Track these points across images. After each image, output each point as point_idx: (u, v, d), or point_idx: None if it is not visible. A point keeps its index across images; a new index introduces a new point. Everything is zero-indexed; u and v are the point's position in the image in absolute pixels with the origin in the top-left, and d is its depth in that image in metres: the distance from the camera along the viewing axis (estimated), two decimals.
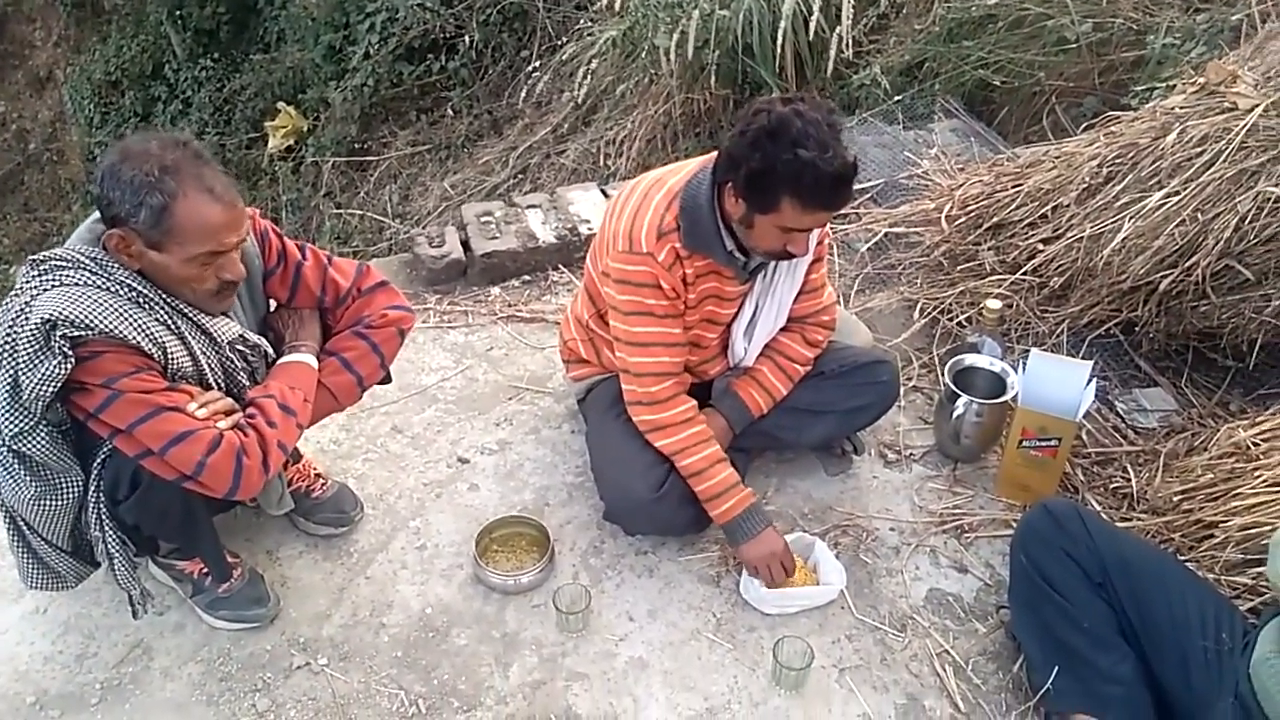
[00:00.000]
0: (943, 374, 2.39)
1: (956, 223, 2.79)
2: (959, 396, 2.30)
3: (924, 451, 2.44)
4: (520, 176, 5.49)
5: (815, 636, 2.01)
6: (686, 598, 2.09)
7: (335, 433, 2.43)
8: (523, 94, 5.39)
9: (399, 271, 2.96)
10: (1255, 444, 2.12)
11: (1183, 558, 2.05)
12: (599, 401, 2.25)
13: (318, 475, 2.19)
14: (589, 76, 4.85)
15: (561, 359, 2.38)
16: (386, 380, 1.99)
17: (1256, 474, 2.05)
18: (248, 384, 1.78)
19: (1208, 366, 2.60)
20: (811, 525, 2.25)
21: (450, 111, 6.23)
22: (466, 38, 5.97)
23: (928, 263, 2.82)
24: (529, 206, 3.06)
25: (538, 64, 5.31)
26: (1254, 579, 1.94)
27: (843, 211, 3.11)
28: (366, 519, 2.22)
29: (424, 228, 3.33)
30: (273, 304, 1.92)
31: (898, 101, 3.76)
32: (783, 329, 2.20)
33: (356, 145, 6.27)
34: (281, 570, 2.11)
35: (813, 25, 3.98)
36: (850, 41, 4.07)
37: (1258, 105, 2.40)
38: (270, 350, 1.82)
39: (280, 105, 6.65)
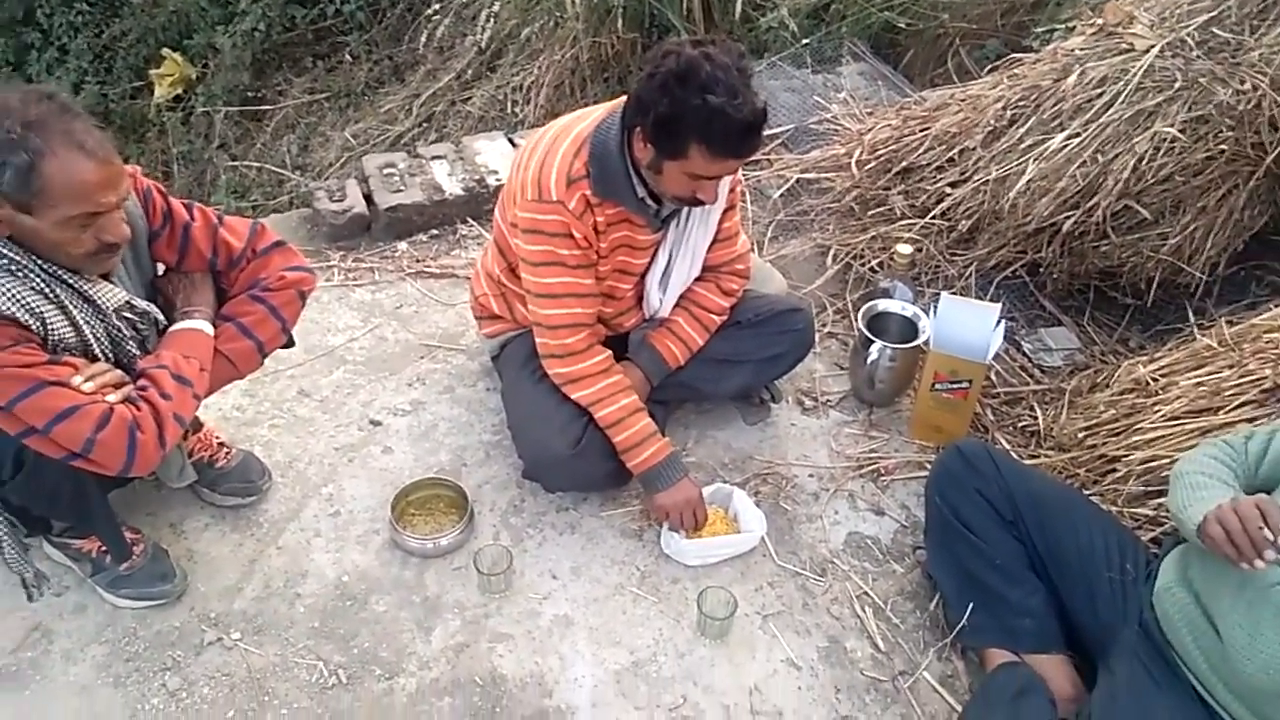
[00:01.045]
0: (856, 320, 2.40)
1: (866, 168, 2.79)
2: (873, 342, 2.32)
3: (840, 397, 2.46)
4: (425, 125, 5.32)
5: (738, 585, 2.02)
6: (609, 553, 2.08)
7: (238, 399, 2.33)
8: (423, 38, 5.19)
9: (299, 227, 2.84)
10: (1154, 379, 2.20)
11: (1088, 492, 2.12)
12: (514, 357, 2.21)
13: (221, 444, 2.09)
14: (491, 20, 4.70)
15: (473, 315, 2.32)
16: (289, 344, 1.90)
17: (1155, 409, 2.13)
18: (138, 354, 1.67)
19: (1109, 305, 2.68)
20: (731, 475, 2.26)
21: (349, 57, 5.97)
22: None
23: (839, 208, 2.83)
24: (434, 158, 2.95)
25: (437, 7, 5.11)
26: (1155, 510, 2.01)
27: (754, 158, 3.09)
28: (276, 487, 2.14)
29: (325, 180, 3.19)
30: (161, 269, 1.81)
31: (805, 45, 3.74)
32: (697, 279, 2.18)
33: (250, 94, 5.97)
34: (187, 544, 2.03)
35: None
36: None
37: (1153, 46, 2.45)
38: (161, 317, 1.72)
39: (165, 52, 6.27)
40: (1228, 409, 2.00)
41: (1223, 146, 2.37)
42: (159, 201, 1.72)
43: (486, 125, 4.78)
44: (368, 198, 2.82)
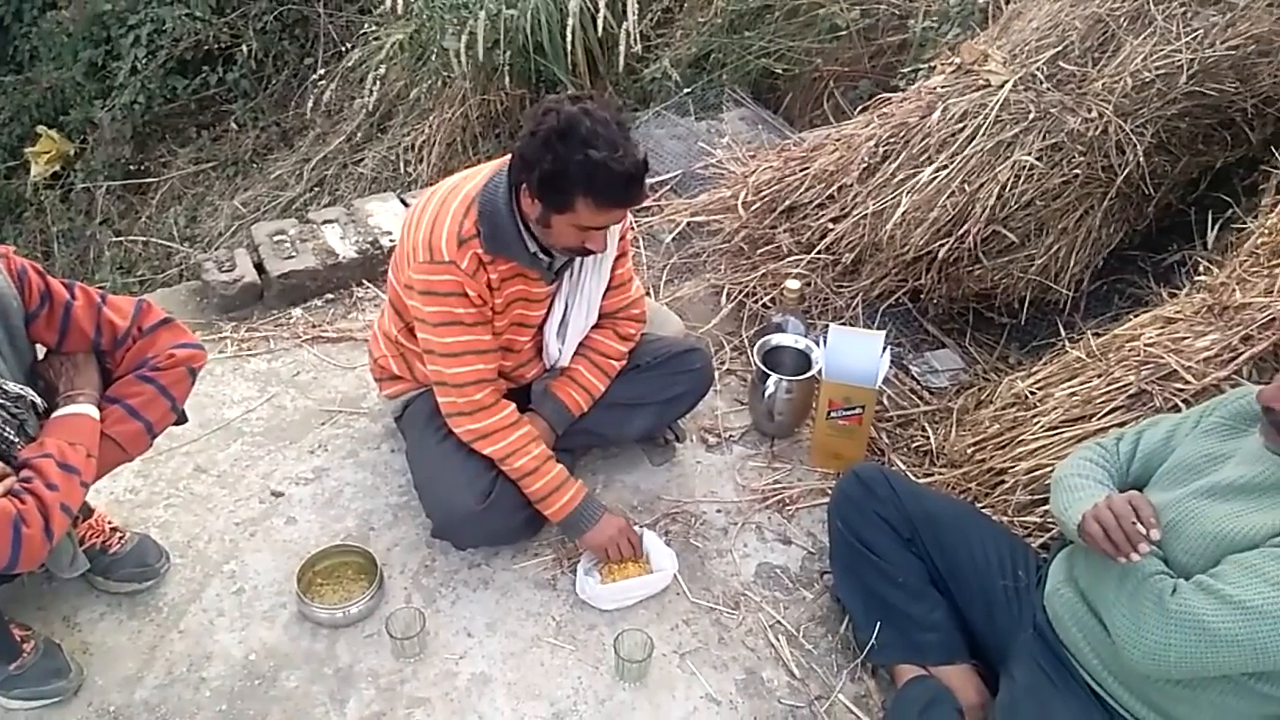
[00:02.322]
0: (752, 355, 2.47)
1: (753, 208, 2.89)
2: (769, 376, 2.39)
3: (742, 432, 2.52)
4: (317, 189, 5.28)
5: (654, 625, 2.04)
6: (524, 605, 2.07)
7: (131, 480, 2.26)
8: (310, 103, 5.18)
9: (188, 301, 2.78)
10: (1032, 393, 2.32)
11: (980, 505, 2.22)
12: (417, 417, 2.20)
13: (114, 529, 2.03)
14: (379, 82, 4.72)
15: (373, 377, 2.31)
16: (181, 421, 1.86)
17: (1035, 420, 2.24)
18: (19, 442, 1.62)
19: (987, 325, 2.82)
20: (641, 516, 2.28)
21: (234, 125, 5.91)
22: (244, 47, 5.68)
23: (729, 248, 2.91)
24: (325, 222, 2.94)
25: (323, 71, 5.11)
26: (1041, 517, 2.11)
27: (645, 205, 3.17)
28: (174, 569, 2.08)
29: (215, 251, 3.15)
30: (42, 351, 1.76)
31: (689, 93, 3.86)
32: (595, 326, 2.22)
33: (132, 167, 5.85)
34: (82, 636, 1.95)
35: (600, 22, 4.02)
36: (638, 36, 4.14)
37: (1007, 81, 2.61)
38: (39, 401, 1.67)
39: (41, 129, 6.10)
40: (1099, 415, 2.12)
41: (1076, 171, 2.53)
42: (35, 281, 1.68)
43: (380, 186, 4.77)
44: (258, 266, 2.79)
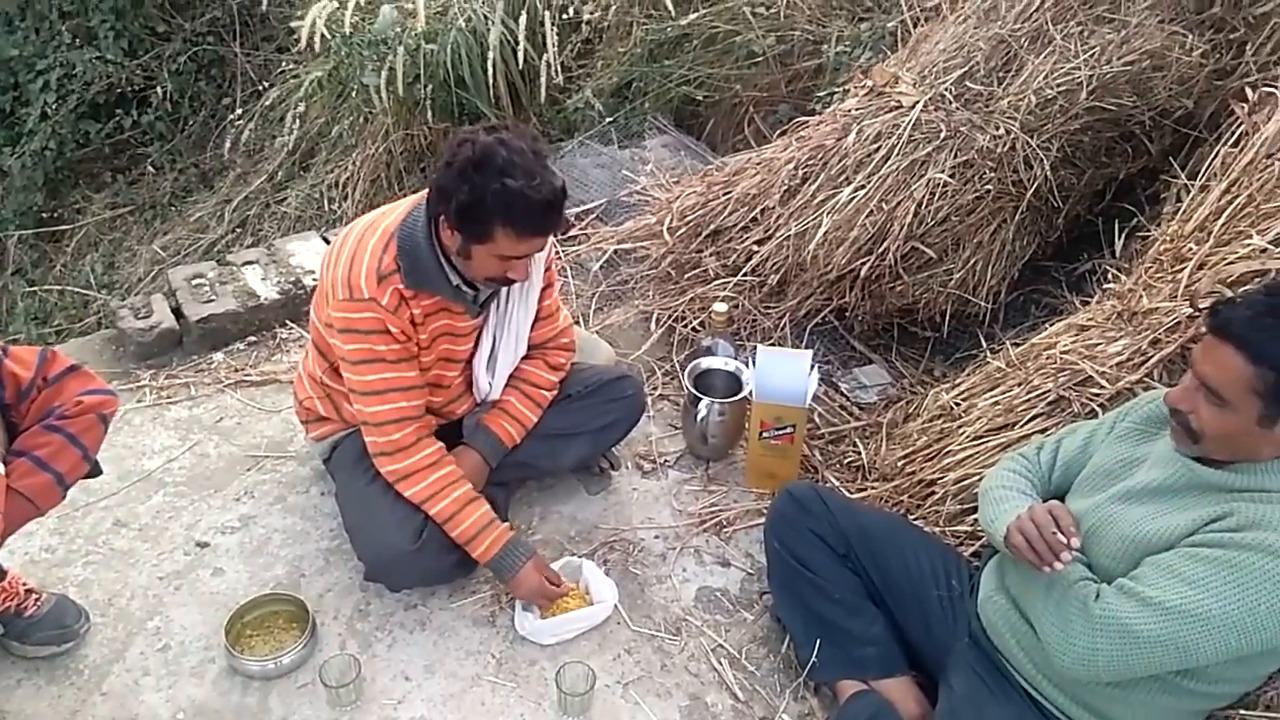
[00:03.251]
0: (684, 379, 2.48)
1: (678, 233, 2.91)
2: (700, 399, 2.40)
3: (677, 456, 2.53)
4: (239, 230, 5.19)
5: (596, 657, 2.02)
6: (463, 644, 2.04)
7: (46, 538, 2.17)
8: (229, 144, 5.10)
9: (103, 350, 2.70)
10: (957, 404, 2.36)
11: (912, 516, 2.25)
12: (345, 458, 2.16)
13: (29, 590, 1.94)
14: (299, 120, 4.67)
15: (299, 419, 2.26)
16: (95, 473, 1.80)
17: (961, 431, 2.29)
18: None
19: (911, 339, 2.88)
20: (580, 546, 2.27)
21: (151, 168, 5.79)
22: (159, 89, 5.58)
23: (657, 274, 2.93)
24: (245, 263, 2.88)
25: (241, 111, 5.04)
26: (971, 526, 2.15)
27: (571, 234, 3.18)
28: (95, 629, 2.00)
29: (134, 296, 3.07)
30: None
31: (611, 122, 3.89)
32: (524, 358, 2.21)
33: (45, 214, 5.70)
34: None
35: (521, 54, 4.04)
36: (559, 68, 4.17)
37: (918, 102, 2.68)
38: None
39: None
40: (1022, 423, 2.17)
41: (988, 186, 2.60)
42: None
43: (304, 224, 4.71)
44: (176, 311, 2.72)
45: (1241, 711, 1.64)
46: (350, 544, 2.12)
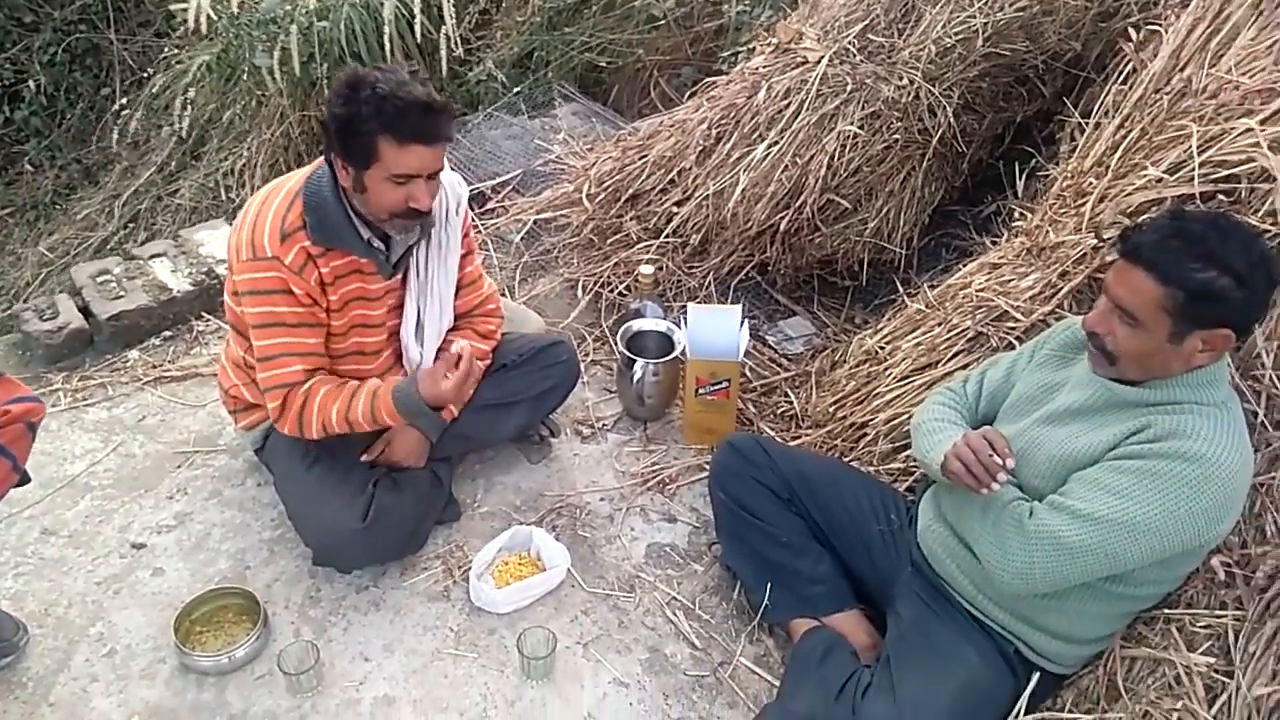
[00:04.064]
0: (616, 343, 2.51)
1: (597, 200, 2.92)
2: (635, 361, 2.43)
3: (615, 419, 2.56)
4: (131, 225, 4.99)
5: (553, 620, 2.05)
6: (420, 621, 2.04)
7: None
8: (115, 135, 4.88)
9: (8, 355, 2.58)
10: (881, 348, 2.45)
11: (846, 459, 2.33)
12: (281, 444, 2.12)
13: None
14: (189, 107, 4.50)
15: (227, 410, 2.21)
16: (24, 481, 1.74)
17: (887, 373, 2.37)
18: None
19: (832, 290, 2.96)
20: (526, 515, 2.28)
21: (29, 166, 5.52)
22: (31, 83, 5.30)
23: (579, 242, 2.94)
24: (153, 256, 2.78)
25: (124, 101, 4.82)
26: (904, 463, 2.24)
27: (489, 206, 3.15)
28: (34, 640, 1.94)
29: (26, 301, 2.93)
30: None
31: (517, 93, 3.86)
32: (454, 328, 2.19)
33: None
34: None
35: (417, 27, 3.96)
36: (458, 40, 4.11)
37: (823, 56, 2.74)
38: None
39: None
40: (944, 361, 2.26)
41: (895, 136, 2.68)
42: None
43: (200, 215, 4.55)
44: (84, 310, 2.61)
45: (1165, 610, 1.76)
46: (295, 531, 2.10)
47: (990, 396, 1.92)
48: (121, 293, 2.65)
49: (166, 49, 4.93)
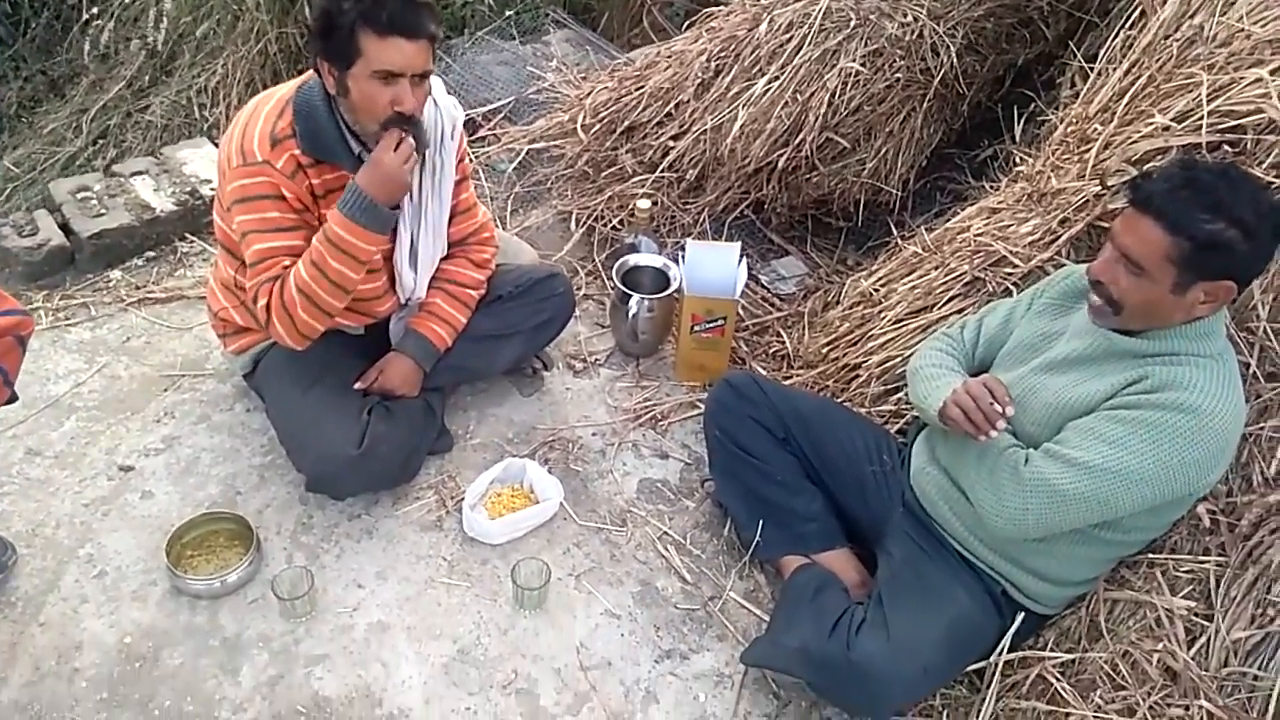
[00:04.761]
0: (610, 278, 2.48)
1: (592, 131, 2.87)
2: (630, 296, 2.41)
3: (607, 354, 2.55)
4: (101, 141, 4.83)
5: (546, 552, 2.06)
6: (413, 549, 2.04)
7: None
8: (85, 48, 4.70)
9: None
10: (876, 290, 2.44)
11: (839, 400, 2.34)
12: (272, 369, 2.10)
13: None
14: (164, 20, 4.34)
15: (216, 334, 2.17)
16: (12, 399, 1.70)
17: (882, 316, 2.37)
18: None
19: (825, 230, 2.94)
20: (519, 448, 2.28)
21: None
22: None
23: (573, 173, 2.89)
24: (134, 174, 2.70)
25: (95, 11, 4.64)
26: (896, 405, 2.25)
27: (480, 134, 3.09)
28: (23, 560, 1.92)
29: (15, 214, 2.84)
30: None
31: (508, 17, 3.75)
32: (447, 257, 2.16)
33: None
34: None
35: None
36: None
37: None
38: None
39: None
40: (940, 305, 2.26)
41: (898, 75, 2.65)
42: None
43: (172, 134, 4.41)
44: (64, 227, 2.54)
45: (1149, 555, 1.80)
46: (286, 458, 2.08)
47: (987, 343, 1.93)
48: (103, 210, 2.57)
49: None
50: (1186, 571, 1.76)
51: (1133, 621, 1.79)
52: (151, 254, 2.62)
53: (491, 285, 2.24)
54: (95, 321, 2.43)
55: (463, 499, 2.10)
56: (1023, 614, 1.81)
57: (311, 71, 1.85)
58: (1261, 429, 1.78)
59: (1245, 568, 1.72)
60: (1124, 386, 1.64)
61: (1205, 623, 1.71)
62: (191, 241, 2.68)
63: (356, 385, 2.09)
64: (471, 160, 2.91)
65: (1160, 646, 1.70)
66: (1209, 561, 1.74)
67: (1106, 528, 1.71)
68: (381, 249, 1.97)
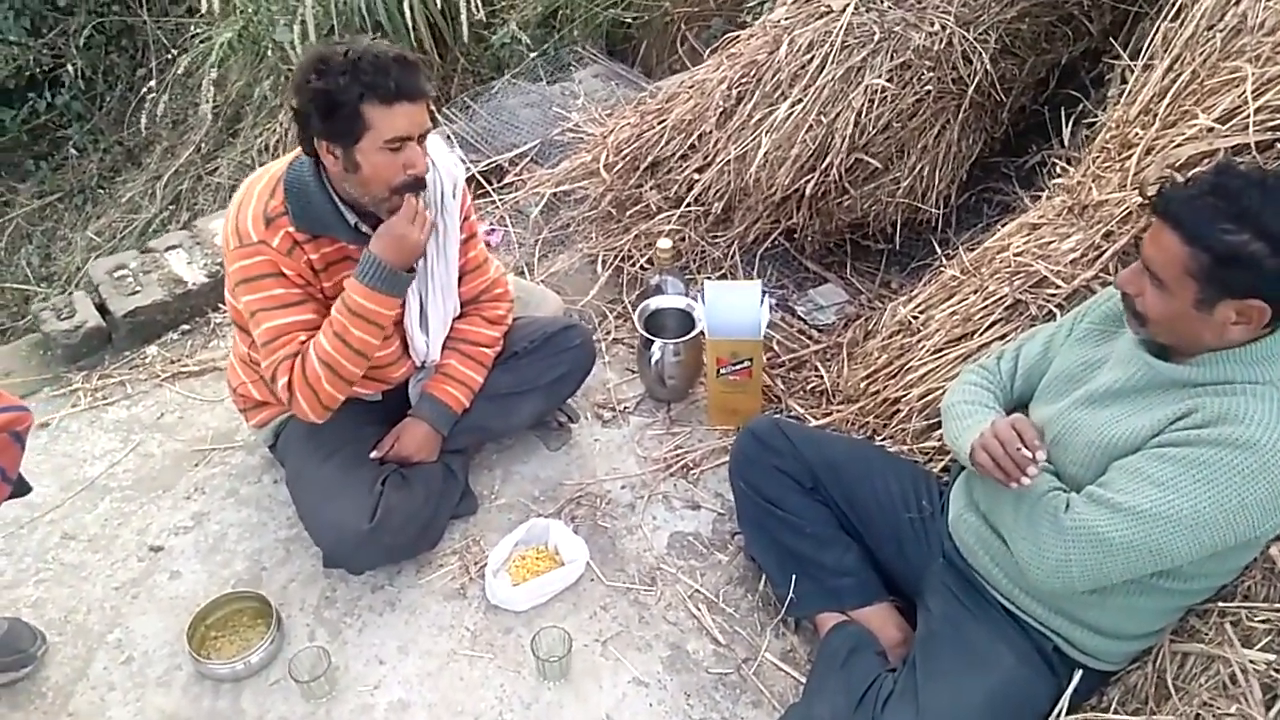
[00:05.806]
0: (635, 322, 2.41)
1: (615, 169, 2.80)
2: (653, 341, 2.33)
3: (637, 401, 2.47)
4: (173, 207, 5.02)
5: (572, 617, 1.99)
6: (435, 620, 2.00)
7: None
8: (145, 117, 4.88)
9: (30, 355, 2.58)
10: (915, 318, 2.31)
11: (879, 437, 2.21)
12: (291, 441, 2.09)
13: None
14: (214, 87, 4.47)
15: (238, 409, 2.18)
16: (21, 492, 1.72)
17: (920, 345, 2.23)
18: None
19: (865, 253, 2.80)
20: (545, 506, 2.22)
21: (74, 151, 5.58)
22: (69, 66, 5.33)
23: (598, 214, 2.83)
24: (169, 249, 2.75)
25: (153, 84, 4.82)
26: (939, 441, 2.11)
27: (508, 180, 3.06)
28: (54, 649, 1.94)
29: (56, 297, 2.94)
30: None
31: (535, 56, 3.73)
32: (460, 316, 2.12)
33: None
34: None
35: None
36: (479, 2, 3.98)
37: (848, 4, 2.56)
38: None
39: None
40: (980, 331, 2.12)
41: (928, 87, 2.50)
42: None
43: None
44: (100, 307, 2.60)
45: (1220, 604, 1.62)
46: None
47: (1026, 374, 1.78)
48: (138, 288, 2.63)
49: (195, 27, 4.90)
50: (1262, 621, 1.58)
51: (1205, 678, 1.62)
52: (186, 327, 2.66)
53: (508, 341, 2.19)
54: (131, 399, 2.47)
55: (486, 564, 2.05)
56: (1079, 671, 1.65)
57: (300, 150, 1.83)
58: None
59: None
60: (1172, 421, 1.47)
61: None
62: (223, 311, 2.71)
63: (372, 455, 2.06)
64: (499, 206, 2.89)
65: (1235, 709, 1.53)
66: None
67: (1166, 576, 1.54)
68: (393, 318, 1.95)
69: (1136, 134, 1.97)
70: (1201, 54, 1.90)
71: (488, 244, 2.83)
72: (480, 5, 4.02)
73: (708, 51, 3.14)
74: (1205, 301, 1.38)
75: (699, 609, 2.01)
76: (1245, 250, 1.32)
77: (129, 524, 2.19)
